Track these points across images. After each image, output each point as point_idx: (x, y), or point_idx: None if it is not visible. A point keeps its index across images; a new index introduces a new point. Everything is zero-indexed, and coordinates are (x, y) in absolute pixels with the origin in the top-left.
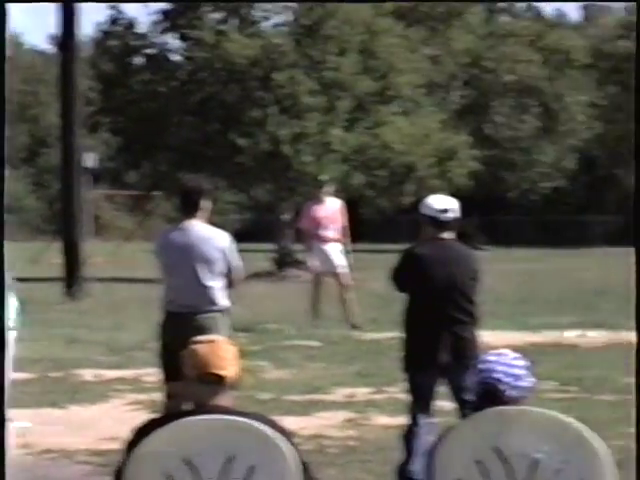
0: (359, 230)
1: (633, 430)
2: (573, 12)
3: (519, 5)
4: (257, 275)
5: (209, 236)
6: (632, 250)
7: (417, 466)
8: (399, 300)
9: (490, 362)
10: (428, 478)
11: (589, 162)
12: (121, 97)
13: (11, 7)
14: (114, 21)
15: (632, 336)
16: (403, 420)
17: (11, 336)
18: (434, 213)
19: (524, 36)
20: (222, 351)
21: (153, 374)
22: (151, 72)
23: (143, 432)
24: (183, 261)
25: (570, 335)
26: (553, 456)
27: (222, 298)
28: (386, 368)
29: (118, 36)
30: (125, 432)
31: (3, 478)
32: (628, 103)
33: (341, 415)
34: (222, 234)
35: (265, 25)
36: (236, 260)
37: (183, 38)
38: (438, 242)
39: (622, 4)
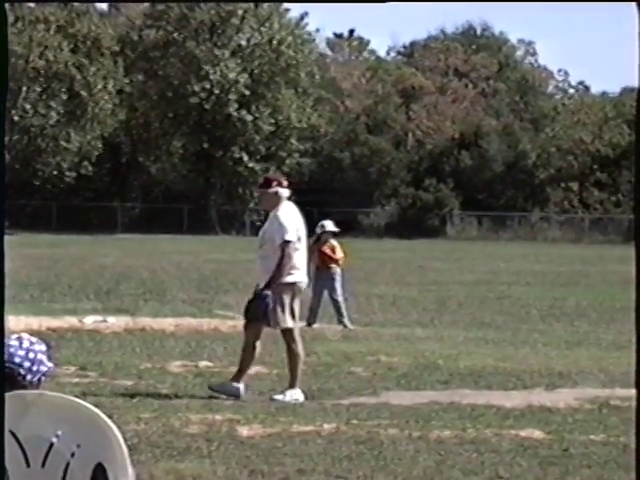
0: None
1: (148, 415)
2: None
3: None
4: None
5: None
6: (149, 237)
7: None
8: None
9: (10, 346)
10: None
11: (114, 148)
12: None
13: None
14: None
15: (150, 321)
16: None
17: None
18: None
19: (53, 22)
20: None
21: None
22: None
23: None
24: None
25: (90, 320)
26: (68, 439)
27: None
28: None
29: None
30: None
31: (3, 478)
32: (153, 90)
33: None
34: None
35: None
36: None
37: None
38: None
39: None
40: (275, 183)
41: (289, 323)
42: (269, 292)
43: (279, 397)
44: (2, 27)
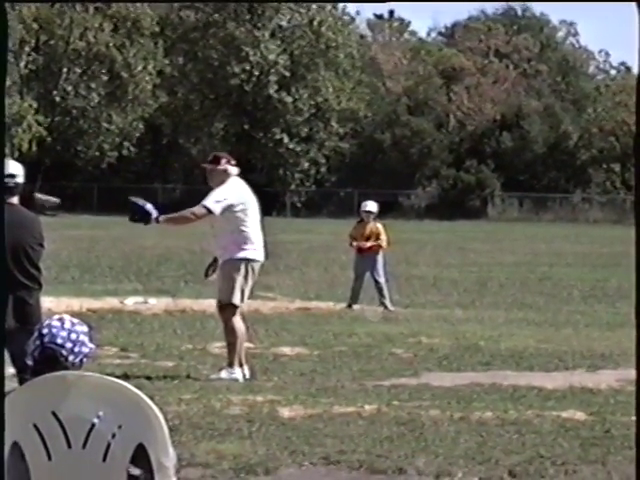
0: None
1: (189, 396)
2: None
3: None
4: None
5: None
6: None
7: None
8: None
9: (52, 327)
10: None
11: (155, 130)
12: None
13: None
14: None
15: (191, 303)
16: None
17: None
18: None
19: (91, 2)
20: None
21: None
22: None
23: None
24: None
25: (131, 302)
26: (109, 420)
27: None
28: None
29: None
30: None
31: (3, 477)
32: (193, 72)
33: None
34: None
35: None
36: None
37: None
38: (7, 207)
39: None
40: (225, 161)
41: (235, 300)
42: (157, 218)
43: (214, 376)
44: (2, 26)
